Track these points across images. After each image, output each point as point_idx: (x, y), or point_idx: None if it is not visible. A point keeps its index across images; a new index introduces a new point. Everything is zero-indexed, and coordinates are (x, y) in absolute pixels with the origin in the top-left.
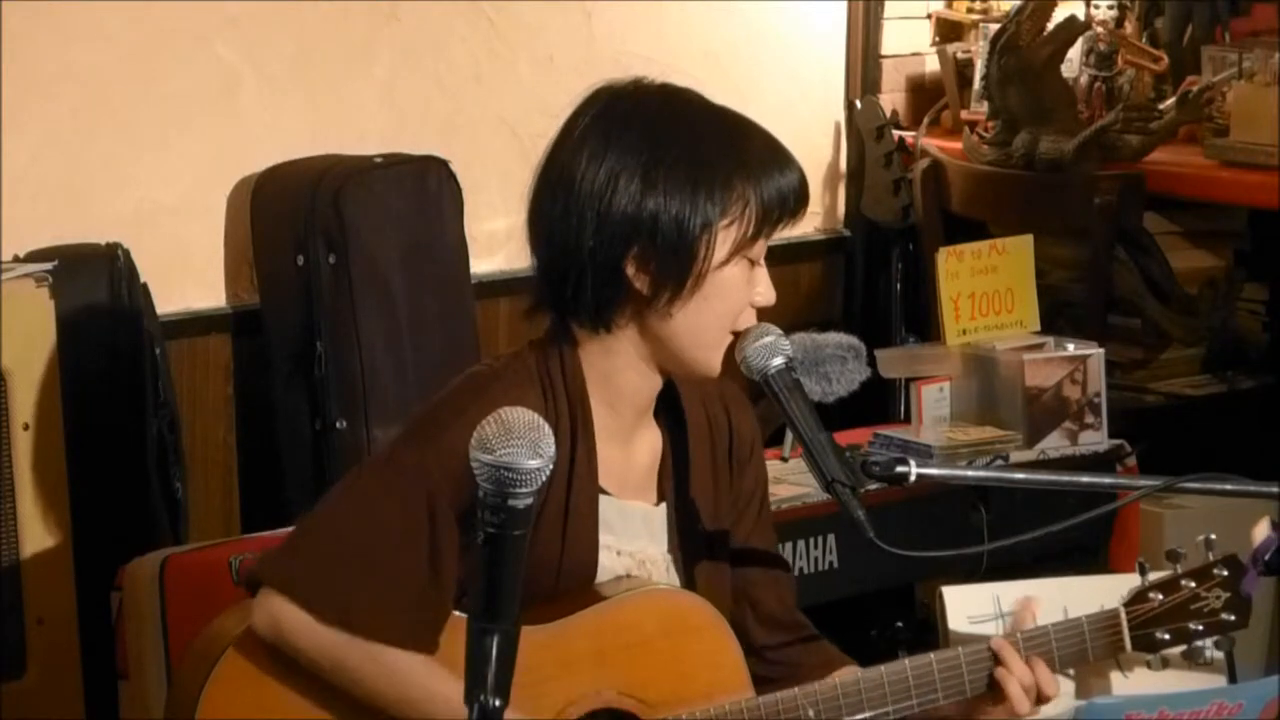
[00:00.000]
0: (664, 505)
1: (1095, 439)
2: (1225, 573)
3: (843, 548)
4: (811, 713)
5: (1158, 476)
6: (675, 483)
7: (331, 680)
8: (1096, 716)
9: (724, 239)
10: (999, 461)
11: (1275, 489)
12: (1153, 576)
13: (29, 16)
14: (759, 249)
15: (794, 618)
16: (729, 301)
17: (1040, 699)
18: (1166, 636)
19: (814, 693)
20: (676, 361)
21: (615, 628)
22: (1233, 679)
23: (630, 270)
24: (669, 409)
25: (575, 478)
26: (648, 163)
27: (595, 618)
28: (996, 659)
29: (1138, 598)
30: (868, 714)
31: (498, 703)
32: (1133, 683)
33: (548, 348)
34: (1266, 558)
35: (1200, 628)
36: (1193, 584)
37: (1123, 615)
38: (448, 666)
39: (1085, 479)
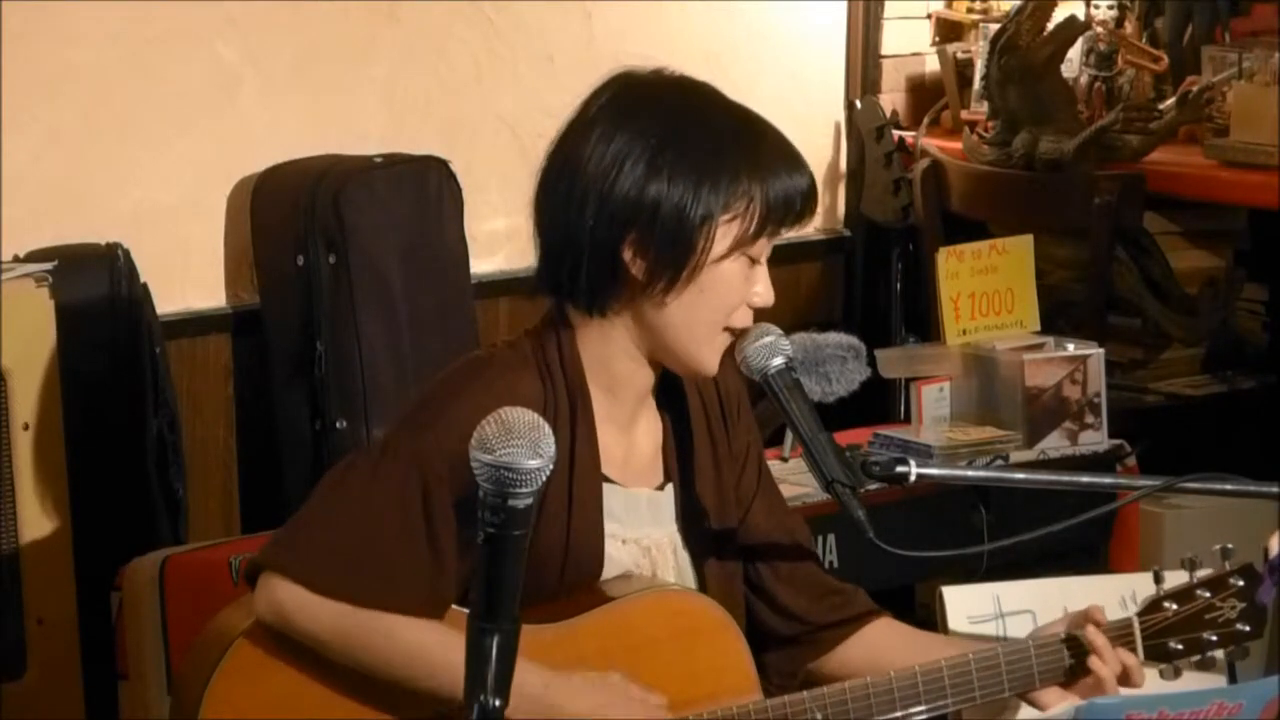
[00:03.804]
0: (669, 488)
1: (1095, 439)
2: (1241, 582)
3: (843, 548)
4: (819, 716)
5: (1158, 476)
6: (679, 465)
7: (338, 657)
8: (1096, 716)
9: (724, 233)
10: (999, 461)
11: (1275, 489)
12: (1168, 585)
13: (29, 16)
14: (760, 248)
15: (820, 579)
16: (725, 297)
17: (1127, 684)
18: (1180, 647)
19: (822, 696)
20: (670, 354)
21: (623, 628)
22: (1233, 679)
23: (627, 255)
24: (669, 392)
25: (577, 466)
26: (656, 148)
27: (603, 618)
28: (1076, 649)
29: (1152, 606)
30: (876, 718)
31: (497, 703)
32: None
33: (544, 334)
34: None
35: (1214, 638)
36: (1208, 594)
37: (1136, 624)
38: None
39: (1085, 479)
